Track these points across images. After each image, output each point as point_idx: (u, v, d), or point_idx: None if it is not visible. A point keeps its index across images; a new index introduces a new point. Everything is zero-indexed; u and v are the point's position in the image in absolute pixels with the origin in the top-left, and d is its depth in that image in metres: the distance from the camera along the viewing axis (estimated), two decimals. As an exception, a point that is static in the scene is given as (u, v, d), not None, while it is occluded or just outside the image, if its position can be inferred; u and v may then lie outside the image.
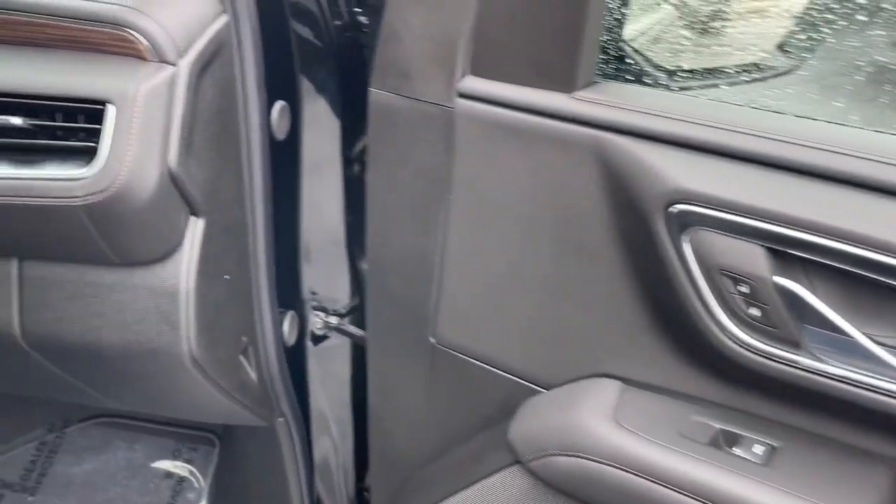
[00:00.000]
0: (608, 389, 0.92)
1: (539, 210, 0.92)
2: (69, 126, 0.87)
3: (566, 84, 0.87)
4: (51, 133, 0.88)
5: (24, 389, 1.31)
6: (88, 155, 0.86)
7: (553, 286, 0.94)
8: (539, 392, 1.00)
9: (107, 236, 0.89)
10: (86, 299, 0.97)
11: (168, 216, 0.92)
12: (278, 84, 1.09)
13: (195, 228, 0.96)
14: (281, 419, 1.28)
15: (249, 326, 1.15)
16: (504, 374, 1.04)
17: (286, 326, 1.24)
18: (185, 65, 0.88)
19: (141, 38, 0.86)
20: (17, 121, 0.85)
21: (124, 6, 0.87)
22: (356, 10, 1.26)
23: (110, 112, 0.85)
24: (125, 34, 0.86)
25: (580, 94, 0.87)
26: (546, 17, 0.85)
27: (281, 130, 1.12)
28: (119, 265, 0.95)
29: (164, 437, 1.68)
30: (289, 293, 1.23)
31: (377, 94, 1.01)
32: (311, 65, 1.19)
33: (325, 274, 1.35)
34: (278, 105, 1.10)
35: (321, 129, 1.25)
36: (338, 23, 1.20)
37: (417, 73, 0.97)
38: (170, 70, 0.88)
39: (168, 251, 0.94)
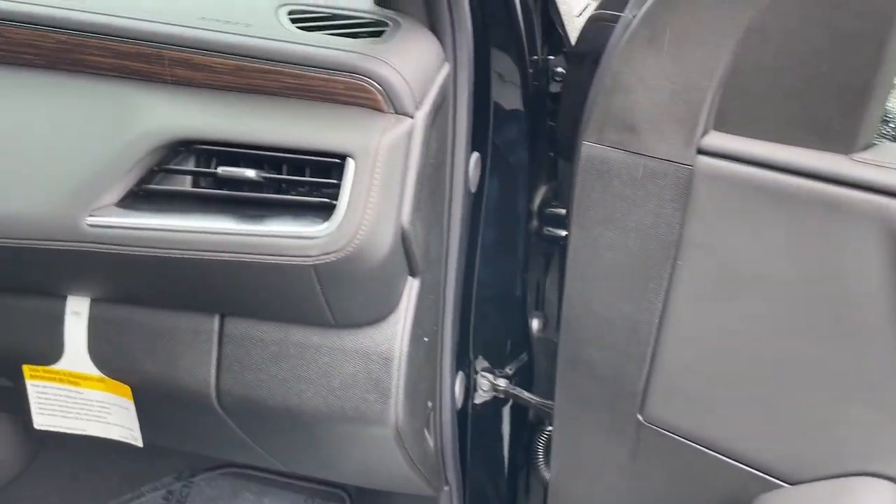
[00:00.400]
0: (881, 493, 0.80)
1: (799, 282, 0.83)
2: (304, 180, 0.81)
3: (845, 144, 0.78)
4: (275, 186, 0.83)
5: (188, 445, 1.25)
6: (322, 211, 0.80)
7: (809, 369, 0.84)
8: (779, 486, 0.90)
9: (331, 297, 0.82)
10: (290, 361, 0.90)
11: (393, 277, 0.85)
12: (476, 135, 1.03)
13: (411, 289, 0.90)
14: (446, 488, 1.20)
15: (433, 391, 1.08)
16: (732, 461, 0.93)
17: (456, 389, 1.16)
18: (421, 117, 0.83)
19: (379, 88, 0.81)
20: (251, 174, 0.80)
21: (364, 54, 0.81)
22: (549, 57, 1.20)
23: (350, 166, 0.79)
24: (363, 83, 0.81)
25: (861, 156, 0.78)
26: (826, 71, 0.77)
27: (473, 183, 1.06)
28: (329, 326, 0.88)
29: (294, 492, 1.62)
30: (460, 352, 1.16)
31: (591, 148, 0.93)
32: (503, 114, 1.14)
33: (492, 331, 1.27)
34: (474, 157, 1.04)
35: (503, 180, 1.19)
36: (530, 70, 1.14)
37: (647, 127, 0.89)
38: (408, 122, 0.82)
39: (384, 313, 0.88)
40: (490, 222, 1.17)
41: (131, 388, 0.97)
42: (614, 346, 1.00)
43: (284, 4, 0.91)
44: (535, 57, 1.15)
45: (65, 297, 0.94)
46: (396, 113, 0.82)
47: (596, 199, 0.94)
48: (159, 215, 0.81)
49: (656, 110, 0.88)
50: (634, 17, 0.87)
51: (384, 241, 0.79)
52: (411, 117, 0.82)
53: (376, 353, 0.89)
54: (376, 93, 0.81)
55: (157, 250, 0.80)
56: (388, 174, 0.79)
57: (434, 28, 0.91)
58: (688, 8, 0.82)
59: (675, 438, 0.98)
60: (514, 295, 1.29)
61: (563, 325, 1.05)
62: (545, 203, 1.25)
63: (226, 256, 0.80)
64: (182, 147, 0.82)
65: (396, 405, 0.90)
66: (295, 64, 0.81)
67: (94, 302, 0.94)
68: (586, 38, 1.06)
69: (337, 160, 0.80)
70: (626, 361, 0.99)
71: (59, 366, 0.98)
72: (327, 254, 0.78)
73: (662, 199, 0.89)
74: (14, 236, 0.80)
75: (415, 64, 0.84)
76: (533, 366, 1.33)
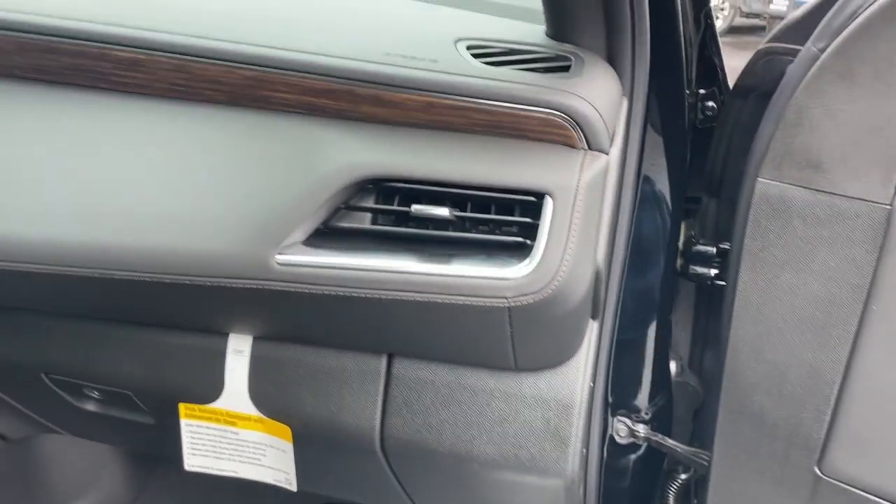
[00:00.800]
0: None
1: None
2: (499, 219, 0.79)
3: None
4: (461, 225, 0.81)
5: (339, 491, 1.22)
6: (513, 250, 0.77)
7: None
8: None
9: (519, 340, 0.79)
10: (462, 405, 0.87)
11: (582, 320, 0.82)
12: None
13: (591, 333, 0.86)
14: None
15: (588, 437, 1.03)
16: None
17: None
18: (615, 153, 0.80)
19: (574, 124, 0.78)
20: (443, 212, 0.78)
21: (558, 89, 0.79)
22: (701, 91, 1.17)
23: (548, 204, 0.76)
24: (558, 119, 0.78)
25: None
26: None
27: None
28: (507, 370, 0.85)
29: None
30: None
31: (767, 185, 0.89)
32: (658, 149, 1.10)
33: (630, 374, 1.23)
34: None
35: (652, 216, 1.15)
36: (688, 104, 1.11)
37: (836, 164, 0.85)
38: (604, 159, 0.79)
39: (566, 358, 0.84)
40: (637, 260, 1.13)
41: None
42: (789, 395, 0.94)
43: (461, 39, 0.90)
44: (688, 91, 1.12)
45: (226, 335, 0.93)
46: (590, 149, 0.79)
47: (772, 240, 0.90)
48: (346, 254, 0.79)
49: (848, 147, 0.83)
50: (822, 49, 0.83)
51: (582, 282, 0.76)
52: (606, 154, 0.79)
53: (555, 400, 0.85)
54: (571, 129, 0.78)
55: (345, 289, 0.78)
56: (586, 213, 0.76)
57: (612, 61, 0.89)
58: (891, 40, 0.78)
59: (859, 494, 0.92)
60: (654, 335, 1.24)
61: (728, 372, 1.00)
62: (689, 241, 1.20)
63: (417, 296, 0.77)
64: (370, 184, 0.81)
65: (574, 454, 0.86)
66: (486, 100, 0.79)
67: (256, 340, 0.93)
68: (754, 72, 1.02)
69: (532, 198, 0.77)
70: (803, 410, 0.93)
71: (217, 404, 0.96)
72: (524, 295, 0.75)
73: (853, 240, 0.84)
74: (202, 273, 0.79)
75: (606, 99, 0.81)
76: (671, 410, 1.28)
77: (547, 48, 0.89)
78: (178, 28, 0.86)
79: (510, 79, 0.81)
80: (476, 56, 0.86)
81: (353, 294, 0.78)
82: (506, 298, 0.75)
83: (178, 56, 0.84)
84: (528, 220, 0.77)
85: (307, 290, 0.78)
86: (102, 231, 0.81)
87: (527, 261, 0.75)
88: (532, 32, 0.95)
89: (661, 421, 1.27)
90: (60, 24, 0.87)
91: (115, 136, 0.85)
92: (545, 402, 0.85)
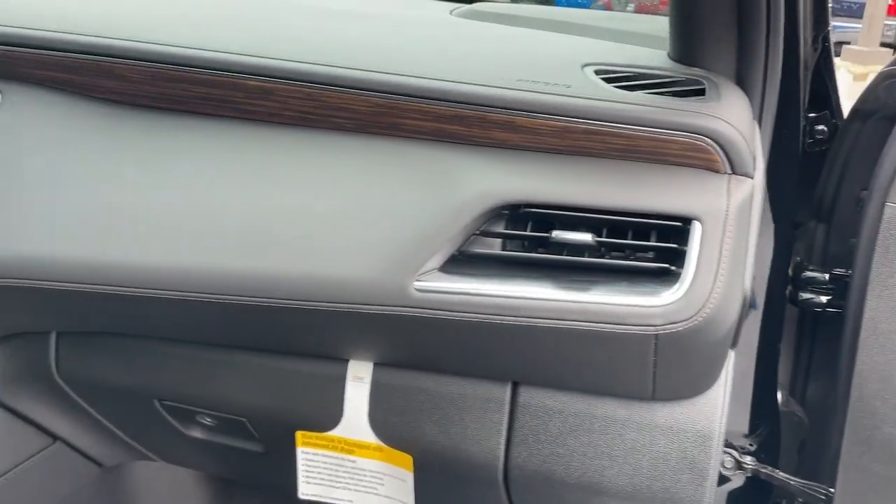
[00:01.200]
0: None
1: None
2: (637, 244, 0.77)
3: None
4: (595, 251, 0.79)
5: None
6: (658, 277, 0.76)
7: None
8: None
9: (661, 369, 0.77)
10: (592, 435, 0.85)
11: (726, 348, 0.80)
12: None
13: (729, 362, 0.84)
14: None
15: None
16: None
17: None
18: (759, 178, 0.78)
19: (718, 149, 0.77)
20: (585, 237, 0.76)
21: (701, 113, 0.78)
22: (811, 114, 1.15)
23: (696, 230, 0.74)
24: (701, 143, 0.77)
25: None
26: None
27: None
28: (640, 399, 0.83)
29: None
30: None
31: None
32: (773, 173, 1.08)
33: (738, 404, 1.19)
34: None
35: (763, 241, 1.13)
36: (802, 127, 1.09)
37: None
38: (749, 184, 0.77)
39: (705, 388, 0.82)
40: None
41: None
42: None
43: (588, 64, 0.89)
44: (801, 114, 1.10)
45: (346, 361, 0.92)
46: (735, 174, 0.77)
47: None
48: (482, 280, 0.78)
49: None
50: None
51: (732, 310, 0.74)
52: (751, 178, 0.77)
53: (693, 431, 0.83)
54: (715, 153, 0.77)
55: (484, 317, 0.77)
56: (736, 239, 0.74)
57: (742, 84, 0.87)
58: None
59: None
60: (763, 363, 1.21)
61: (854, 402, 0.97)
62: (799, 267, 1.18)
63: (558, 324, 0.76)
64: (505, 211, 0.80)
65: (711, 487, 0.83)
66: (624, 124, 0.78)
67: (376, 366, 0.92)
68: (875, 95, 1.00)
69: (677, 223, 0.76)
70: None
71: (335, 432, 0.95)
72: (673, 323, 0.73)
73: None
74: (341, 300, 0.79)
75: (746, 123, 0.80)
76: (779, 441, 1.24)
77: (674, 72, 0.88)
78: (308, 56, 0.87)
79: (648, 102, 0.80)
80: (606, 81, 0.85)
81: (492, 321, 0.77)
82: (653, 326, 0.73)
83: (309, 84, 0.85)
84: (673, 245, 0.76)
85: (445, 317, 0.78)
86: (239, 258, 0.81)
87: (675, 287, 0.74)
88: (652, 56, 0.94)
89: (767, 452, 1.24)
90: (192, 54, 0.88)
91: (245, 164, 0.86)
92: (682, 433, 0.83)
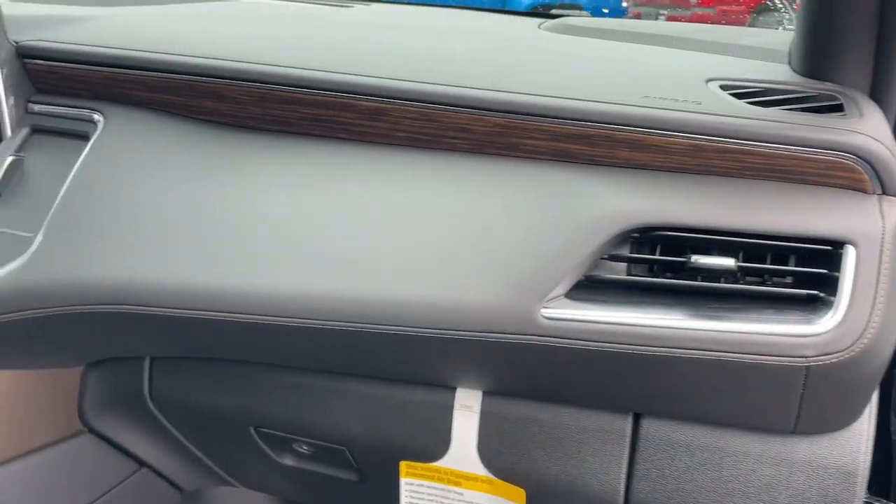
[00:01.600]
0: None
1: None
2: (782, 270, 0.73)
3: None
4: (730, 276, 0.75)
5: None
6: (806, 305, 0.71)
7: None
8: None
9: (808, 402, 0.72)
10: (723, 470, 0.80)
11: (877, 380, 0.75)
12: None
13: (874, 394, 0.79)
14: None
15: None
16: None
17: None
18: None
19: (867, 167, 0.72)
20: (729, 262, 0.72)
21: (847, 129, 0.73)
22: None
23: (850, 254, 0.70)
24: (848, 162, 0.72)
25: None
26: None
27: None
28: (777, 433, 0.78)
29: None
30: None
31: None
32: None
33: None
34: None
35: None
36: None
37: None
38: None
39: (850, 421, 0.77)
40: None
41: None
42: None
43: (712, 79, 0.85)
44: None
45: (453, 389, 0.89)
46: (885, 194, 0.73)
47: None
48: (612, 307, 0.74)
49: None
50: None
51: (890, 340, 0.69)
52: None
53: (835, 467, 0.77)
54: (863, 172, 0.72)
55: (617, 346, 0.73)
56: (893, 264, 0.70)
57: (876, 98, 0.83)
58: None
59: None
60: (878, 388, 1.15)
61: None
62: None
63: (696, 354, 0.71)
64: (635, 234, 0.76)
65: (854, 527, 0.78)
66: (762, 142, 0.74)
67: (485, 395, 0.88)
68: None
69: (826, 247, 0.71)
70: None
71: (442, 463, 0.91)
72: (828, 354, 0.68)
73: None
74: (466, 328, 0.75)
75: (892, 140, 0.75)
76: (892, 471, 1.18)
77: (805, 86, 0.84)
78: (420, 76, 0.84)
79: (785, 119, 0.76)
80: (735, 96, 0.81)
81: (625, 351, 0.73)
82: (805, 358, 0.69)
83: (423, 104, 0.82)
84: (822, 271, 0.71)
85: (574, 346, 0.74)
86: (355, 284, 0.78)
87: (828, 316, 0.69)
88: (775, 70, 0.90)
89: (878, 483, 1.17)
90: (301, 75, 0.86)
91: (359, 187, 0.83)
92: (823, 469, 0.78)
